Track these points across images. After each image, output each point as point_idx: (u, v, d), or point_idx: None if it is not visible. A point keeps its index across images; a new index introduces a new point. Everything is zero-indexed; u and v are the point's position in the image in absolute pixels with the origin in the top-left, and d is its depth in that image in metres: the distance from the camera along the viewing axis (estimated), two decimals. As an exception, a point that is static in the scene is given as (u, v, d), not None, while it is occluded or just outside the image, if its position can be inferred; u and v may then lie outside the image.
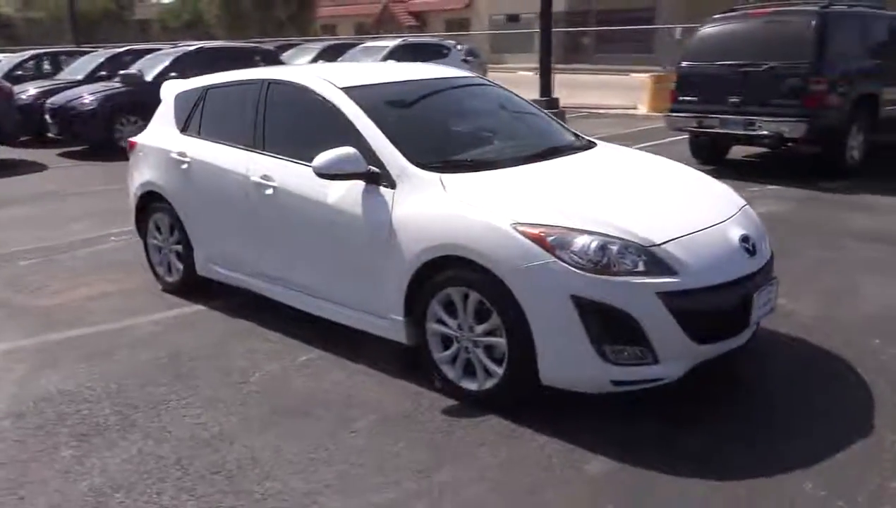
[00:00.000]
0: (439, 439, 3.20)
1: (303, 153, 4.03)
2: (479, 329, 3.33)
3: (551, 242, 3.09)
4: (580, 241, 3.08)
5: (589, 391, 3.18)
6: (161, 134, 5.07)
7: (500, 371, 3.30)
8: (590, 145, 4.30)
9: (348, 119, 3.87)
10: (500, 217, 3.22)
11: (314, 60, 16.98)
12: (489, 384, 3.36)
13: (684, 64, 9.19)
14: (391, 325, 3.70)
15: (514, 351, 3.20)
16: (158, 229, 5.17)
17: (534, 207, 3.28)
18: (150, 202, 5.15)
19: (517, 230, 3.14)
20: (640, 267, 3.07)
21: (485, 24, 37.16)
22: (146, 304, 4.99)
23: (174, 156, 4.82)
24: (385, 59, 15.42)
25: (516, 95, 4.82)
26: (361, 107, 3.89)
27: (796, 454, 2.98)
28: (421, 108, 4.28)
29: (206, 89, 4.86)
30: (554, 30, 15.43)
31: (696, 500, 2.72)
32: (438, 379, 3.56)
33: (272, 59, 13.88)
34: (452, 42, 17.36)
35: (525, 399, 3.33)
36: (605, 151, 4.27)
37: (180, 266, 5.04)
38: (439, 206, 3.42)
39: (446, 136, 4.20)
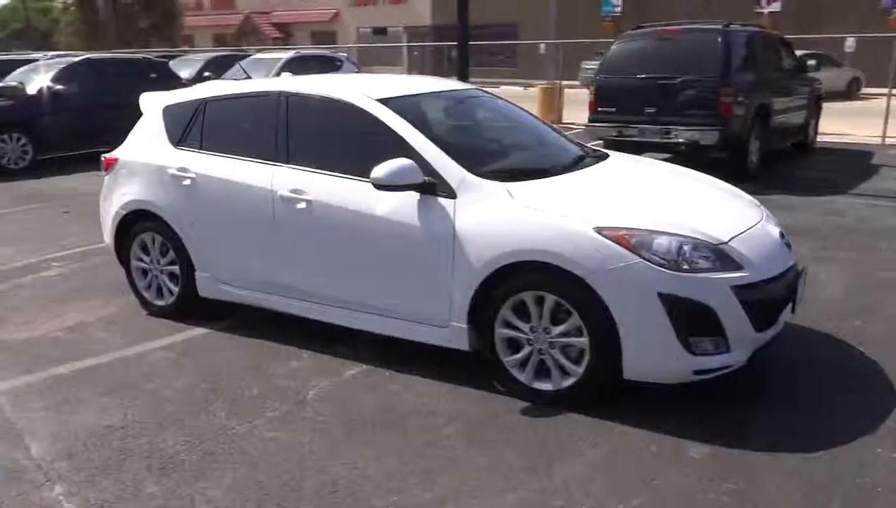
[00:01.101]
0: (535, 438, 3.30)
1: (341, 166, 4.02)
2: (557, 330, 3.46)
3: (635, 244, 3.29)
4: (661, 242, 3.31)
5: (671, 382, 3.40)
6: (149, 148, 4.79)
7: (579, 369, 3.45)
8: (605, 154, 4.54)
9: (394, 131, 3.88)
10: (581, 222, 3.38)
11: (200, 72, 16.34)
12: (567, 383, 3.50)
13: (601, 77, 9.76)
14: (452, 333, 3.74)
15: (597, 349, 3.36)
16: (145, 250, 4.88)
17: (610, 212, 3.47)
18: (135, 222, 4.85)
19: (601, 234, 3.32)
20: (714, 264, 3.33)
21: (352, 37, 37.17)
22: (141, 331, 4.68)
23: (172, 171, 4.58)
24: (280, 71, 15.15)
25: (518, 106, 4.99)
26: (405, 118, 3.92)
27: (853, 424, 3.34)
28: (451, 119, 4.36)
29: (205, 102, 4.66)
30: (433, 43, 15.78)
31: (797, 471, 3.00)
32: (509, 383, 3.64)
33: (165, 71, 13.25)
34: (344, 55, 17.31)
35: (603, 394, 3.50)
36: (625, 160, 4.54)
37: (175, 288, 4.78)
38: (512, 214, 3.53)
39: (485, 145, 4.31)
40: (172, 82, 13.32)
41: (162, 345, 4.46)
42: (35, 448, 3.33)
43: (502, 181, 3.69)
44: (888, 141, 12.51)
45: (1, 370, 4.16)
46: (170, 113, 4.79)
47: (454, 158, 3.77)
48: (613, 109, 9.54)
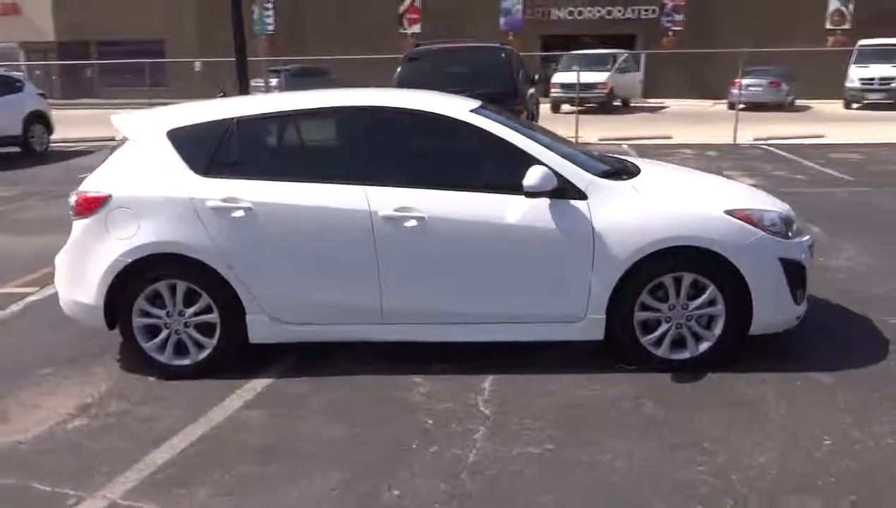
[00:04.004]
0: (715, 400, 3.75)
1: (451, 179, 3.99)
2: (695, 303, 3.97)
3: (756, 220, 3.97)
4: (770, 217, 4.05)
5: (783, 329, 4.15)
6: (161, 180, 3.98)
7: (714, 334, 4.01)
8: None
9: (509, 142, 3.99)
10: (712, 207, 3.95)
11: None
12: (703, 348, 4.03)
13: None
14: (588, 326, 4.00)
15: (733, 313, 3.96)
16: (156, 304, 4.05)
17: (722, 198, 4.11)
18: (140, 272, 4.01)
19: (732, 215, 3.93)
20: (795, 231, 4.18)
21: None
22: (189, 397, 3.90)
23: (214, 203, 3.91)
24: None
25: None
26: (510, 129, 4.04)
27: (877, 352, 4.37)
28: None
29: (234, 122, 4.05)
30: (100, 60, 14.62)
31: (883, 379, 3.95)
32: (645, 360, 4.03)
33: None
34: (21, 74, 14.79)
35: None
36: (651, 161, 5.17)
37: (210, 341, 4.07)
38: (651, 207, 3.94)
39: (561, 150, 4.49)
40: None
41: (239, 406, 3.82)
42: (289, 537, 2.78)
43: (624, 180, 4.11)
44: (581, 140, 15.13)
45: (76, 481, 3.19)
46: (180, 137, 4.05)
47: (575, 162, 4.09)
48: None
